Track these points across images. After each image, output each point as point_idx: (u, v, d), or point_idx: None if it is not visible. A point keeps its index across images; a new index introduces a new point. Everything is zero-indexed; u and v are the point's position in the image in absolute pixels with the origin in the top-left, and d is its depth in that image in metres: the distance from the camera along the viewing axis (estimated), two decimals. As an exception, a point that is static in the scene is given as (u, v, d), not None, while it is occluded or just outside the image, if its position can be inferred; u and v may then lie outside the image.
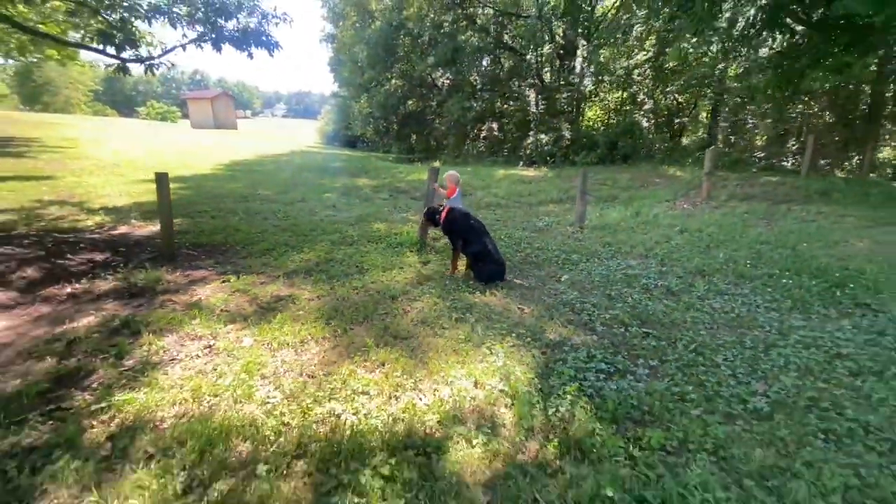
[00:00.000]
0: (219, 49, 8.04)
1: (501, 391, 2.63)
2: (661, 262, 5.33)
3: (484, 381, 2.71)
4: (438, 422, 2.33)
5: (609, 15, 19.20)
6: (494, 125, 22.86)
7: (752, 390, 2.69)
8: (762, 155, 15.86)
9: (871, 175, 10.78)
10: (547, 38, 19.79)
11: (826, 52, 8.10)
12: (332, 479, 1.90)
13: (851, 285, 4.28)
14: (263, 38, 8.25)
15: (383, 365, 2.88)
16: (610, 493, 1.86)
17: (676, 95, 18.80)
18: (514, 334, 3.38)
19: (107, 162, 13.15)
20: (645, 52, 17.86)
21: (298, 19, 8.84)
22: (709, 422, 2.37)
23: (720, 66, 15.92)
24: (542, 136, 17.54)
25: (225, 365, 2.74)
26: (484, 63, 23.00)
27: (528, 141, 17.76)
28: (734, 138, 18.07)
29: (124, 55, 6.45)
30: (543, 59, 21.19)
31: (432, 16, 20.70)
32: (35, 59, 17.78)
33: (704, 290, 4.41)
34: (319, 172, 14.91)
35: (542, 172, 14.93)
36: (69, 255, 4.45)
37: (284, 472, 1.93)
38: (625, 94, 19.99)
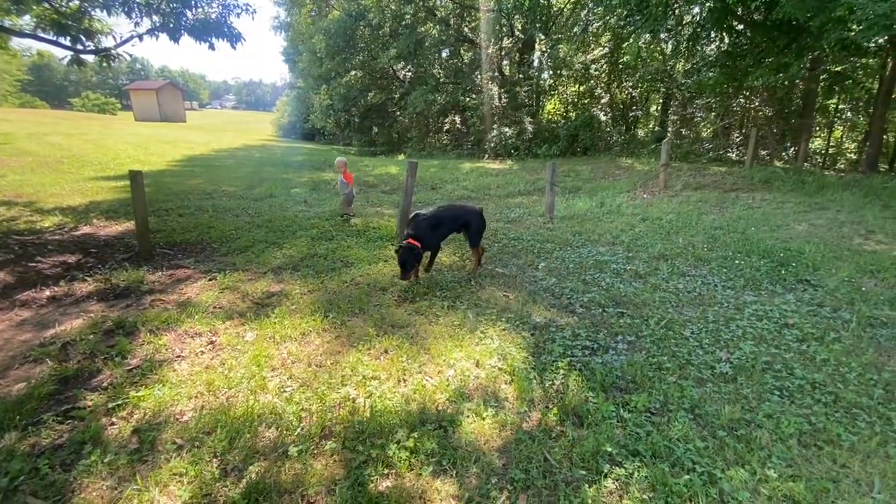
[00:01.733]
0: (176, 40, 7.70)
1: (500, 369, 2.86)
2: (627, 248, 5.74)
3: (484, 361, 2.92)
4: (448, 399, 2.52)
5: (566, 10, 19.78)
6: (458, 118, 23.08)
7: (717, 358, 3.06)
8: (710, 146, 17.00)
9: (805, 164, 11.86)
10: (506, 31, 20.15)
11: (767, 51, 8.83)
12: (360, 455, 2.05)
13: (794, 264, 4.83)
14: (225, 29, 8.00)
15: (387, 352, 3.03)
16: (609, 449, 2.13)
17: (631, 90, 19.70)
18: (503, 319, 3.61)
19: (49, 158, 12.29)
20: (601, 48, 18.57)
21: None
22: (684, 386, 2.70)
23: (671, 63, 16.88)
24: (506, 129, 17.92)
25: (232, 359, 2.80)
26: (444, 55, 23.11)
27: (493, 134, 18.08)
28: (684, 131, 19.22)
29: (79, 47, 6.09)
30: (503, 52, 21.56)
31: (393, 7, 20.52)
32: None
33: (668, 273, 4.82)
34: (282, 167, 14.57)
35: (507, 165, 15.31)
36: (39, 258, 4.26)
37: (314, 451, 2.06)
38: (582, 88, 20.73)
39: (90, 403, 2.31)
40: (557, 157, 15.86)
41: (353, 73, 23.10)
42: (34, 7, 7.03)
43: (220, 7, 8.02)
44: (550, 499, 1.88)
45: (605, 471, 2.01)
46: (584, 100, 20.63)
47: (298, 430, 2.20)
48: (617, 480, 1.97)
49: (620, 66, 18.51)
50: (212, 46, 8.03)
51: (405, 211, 6.19)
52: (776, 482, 1.97)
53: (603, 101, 19.71)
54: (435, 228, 4.32)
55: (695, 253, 5.41)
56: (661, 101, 19.62)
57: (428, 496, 1.86)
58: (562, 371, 2.83)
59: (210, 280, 4.18)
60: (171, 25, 7.47)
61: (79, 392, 2.41)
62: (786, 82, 10.44)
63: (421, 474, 1.96)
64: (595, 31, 18.39)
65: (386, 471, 1.98)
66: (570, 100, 21.59)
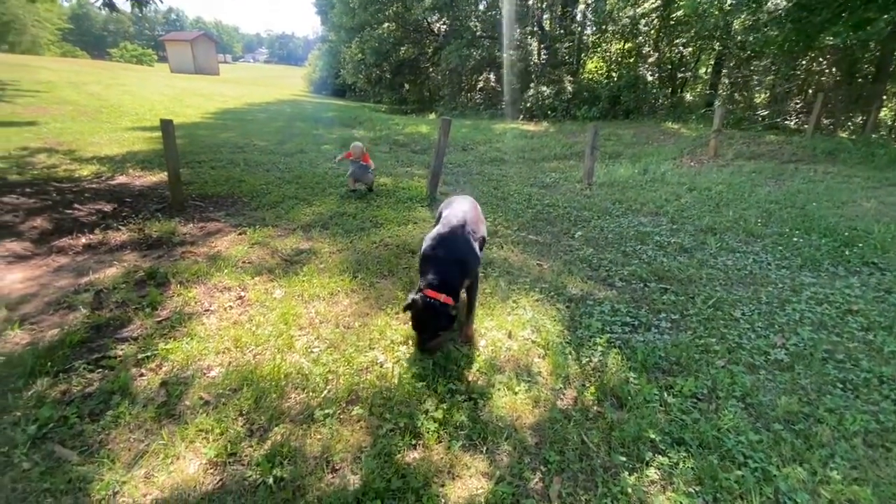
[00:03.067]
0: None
1: (533, 342, 2.71)
2: (672, 219, 5.38)
3: (516, 332, 2.78)
4: (478, 370, 2.40)
5: (617, -43, 18.15)
6: (492, 76, 22.06)
7: (772, 343, 2.81)
8: (766, 113, 15.68)
9: (874, 135, 10.77)
10: (550, -19, 18.76)
11: (847, 4, 7.81)
12: (387, 423, 1.97)
13: (860, 244, 4.40)
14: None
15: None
16: (651, 435, 1.98)
17: (682, 48, 18.18)
18: (537, 289, 3.44)
19: (88, 107, 12.49)
20: (653, 1, 17.07)
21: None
22: (734, 372, 2.49)
23: (729, 18, 15.37)
24: (544, 88, 17.01)
25: (260, 316, 2.76)
26: (481, 6, 21.82)
27: (530, 93, 17.21)
28: (737, 95, 17.74)
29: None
30: (545, 4, 20.19)
31: (429, -47, 19.36)
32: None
33: (717, 248, 4.48)
34: (312, 123, 14.40)
35: (543, 127, 14.64)
36: (76, 206, 4.31)
37: (340, 416, 2.00)
38: (628, 46, 19.29)
39: (120, 353, 2.31)
40: (597, 120, 15.02)
41: (385, 25, 22.23)
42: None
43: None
44: (587, 484, 1.76)
45: (647, 458, 1.87)
46: (628, 58, 19.25)
47: (325, 392, 2.14)
48: (660, 469, 1.83)
49: (672, 21, 17.04)
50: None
51: (435, 172, 5.97)
52: (839, 484, 1.79)
53: (650, 60, 18.32)
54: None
55: (746, 228, 5.01)
56: (712, 61, 18.06)
57: (457, 471, 1.78)
58: (600, 348, 2.66)
59: (240, 234, 4.15)
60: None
61: (110, 341, 2.42)
62: (868, 42, 9.28)
63: (450, 447, 1.87)
64: (648, -20, 16.86)
65: (413, 441, 1.90)
66: (613, 58, 20.21)
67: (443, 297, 2.32)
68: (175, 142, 4.51)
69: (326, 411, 2.00)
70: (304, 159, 8.10)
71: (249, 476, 1.69)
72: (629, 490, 1.73)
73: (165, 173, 5.43)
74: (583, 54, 19.91)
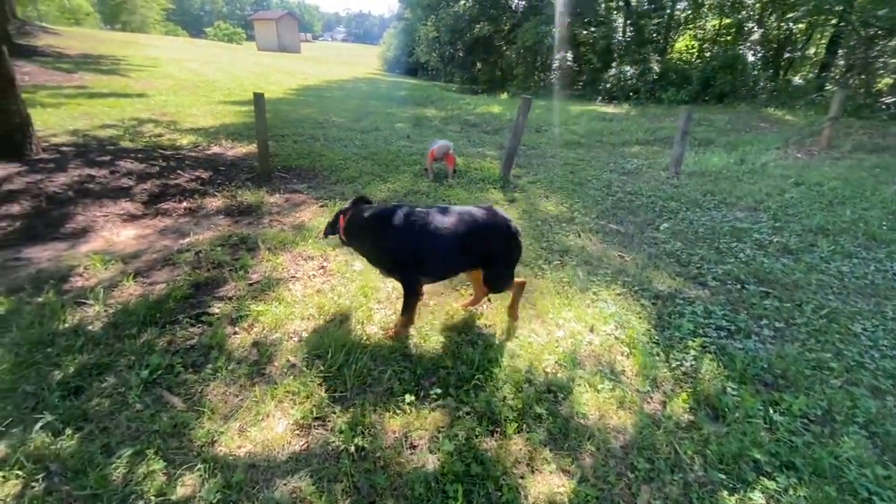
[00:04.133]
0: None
1: (617, 338, 2.55)
2: (773, 216, 4.82)
3: (598, 326, 2.63)
4: (557, 362, 2.30)
5: (724, -79, 16.29)
6: (570, 55, 20.99)
7: (903, 366, 2.43)
8: (891, 100, 13.52)
9: None
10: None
11: None
12: (464, 406, 1.94)
13: None
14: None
15: (489, 300, 2.87)
16: (756, 455, 1.78)
17: (791, 24, 16.04)
18: (619, 282, 3.23)
19: (187, 82, 13.55)
20: (764, -31, 15.19)
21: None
22: (855, 394, 2.18)
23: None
24: (628, 67, 15.91)
25: (341, 286, 2.83)
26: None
27: (611, 73, 16.19)
28: (855, 79, 15.45)
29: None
30: (634, -23, 18.69)
31: (513, -76, 18.55)
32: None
33: (829, 251, 3.96)
34: (387, 101, 14.61)
35: (623, 109, 13.74)
36: (179, 172, 4.69)
37: (419, 393, 2.00)
38: (727, 21, 17.40)
39: (217, 311, 2.48)
40: (686, 104, 13.83)
41: (462, 1, 21.83)
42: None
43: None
44: (680, 499, 1.62)
45: (751, 480, 1.69)
46: (726, 36, 17.40)
47: (404, 366, 2.15)
48: (765, 493, 1.64)
49: (786, -7, 15.06)
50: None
51: (510, 153, 5.80)
52: None
53: (753, 37, 16.44)
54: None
55: (868, 230, 4.37)
56: (825, 40, 15.77)
57: (536, 464, 1.71)
58: (692, 351, 2.44)
59: (321, 206, 4.29)
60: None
61: (209, 299, 2.60)
62: None
63: (529, 439, 1.81)
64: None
65: (491, 427, 1.86)
66: (708, 36, 18.38)
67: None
68: (265, 115, 4.73)
69: (405, 387, 2.01)
70: (379, 136, 8.23)
71: (333, 442, 1.74)
72: (729, 511, 1.57)
73: (254, 145, 5.75)
74: (672, 32, 18.31)
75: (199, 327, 2.35)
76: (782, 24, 16.08)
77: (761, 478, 1.71)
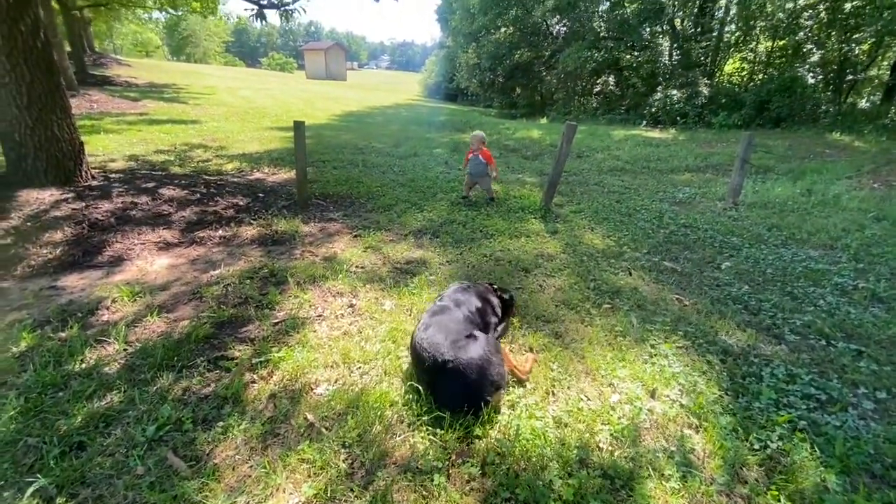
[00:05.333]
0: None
1: (683, 406, 2.18)
2: (854, 256, 4.26)
3: (660, 391, 2.26)
4: (612, 435, 1.96)
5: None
6: (611, 79, 20.60)
7: None
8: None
9: None
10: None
11: None
12: (504, 491, 1.64)
13: None
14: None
15: (531, 350, 2.57)
16: (883, 590, 1.37)
17: (854, 45, 15.03)
18: (679, 332, 2.85)
19: (239, 109, 14.24)
20: (822, -11, 14.42)
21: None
22: None
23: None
24: (674, 91, 15.36)
25: (369, 329, 2.62)
26: (604, 7, 20.42)
27: (656, 97, 15.67)
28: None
29: (262, 1, 6.57)
30: (679, 1, 18.23)
31: (555, -47, 18.69)
32: (181, 12, 19.60)
33: (930, 301, 3.39)
34: (426, 126, 14.74)
35: (670, 134, 13.17)
36: (218, 198, 4.71)
37: (449, 472, 1.72)
38: (781, 43, 16.55)
39: (238, 354, 2.31)
40: (739, 128, 13.10)
41: (503, 29, 22.07)
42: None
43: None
44: None
45: None
46: (780, 58, 16.53)
47: (433, 435, 1.88)
48: None
49: (846, 12, 14.18)
50: (375, -3, 8.01)
51: (553, 181, 5.52)
52: None
53: (812, 58, 15.51)
54: None
55: (976, 277, 3.75)
56: (887, 62, 14.62)
57: (591, 579, 1.39)
58: (778, 429, 2.03)
59: (355, 237, 4.16)
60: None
61: (230, 340, 2.45)
62: None
63: (581, 542, 1.48)
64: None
65: (535, 523, 1.55)
66: (759, 58, 17.53)
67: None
68: (305, 142, 4.71)
69: (434, 463, 1.73)
70: (418, 163, 8.17)
71: (348, 529, 1.48)
72: None
73: (293, 172, 5.77)
74: (721, 54, 17.61)
75: (216, 373, 2.19)
76: (843, 44, 15.10)
77: None
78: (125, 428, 1.81)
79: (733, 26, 17.82)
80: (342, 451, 1.78)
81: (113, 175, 5.06)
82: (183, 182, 5.16)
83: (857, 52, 15.19)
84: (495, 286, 2.82)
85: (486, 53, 22.39)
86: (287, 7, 6.58)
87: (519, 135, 12.87)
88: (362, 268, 3.49)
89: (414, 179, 6.62)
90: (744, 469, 1.84)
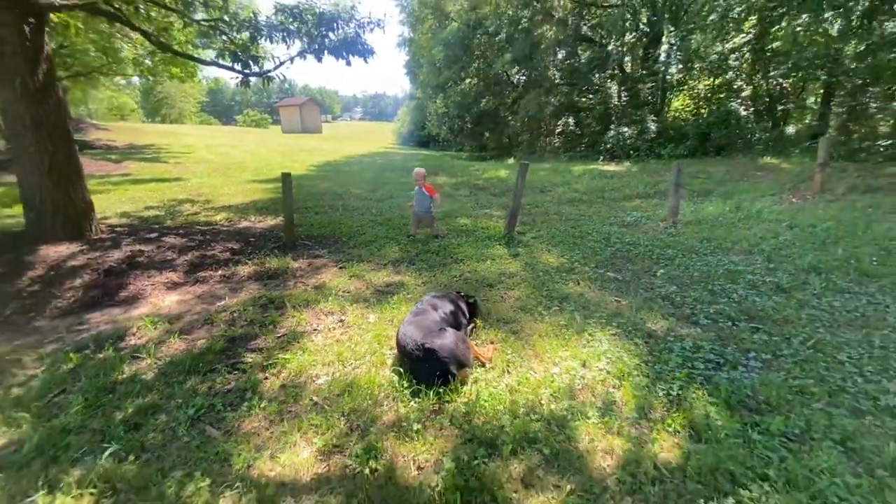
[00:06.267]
0: (320, 59, 8.82)
1: (609, 373, 2.77)
2: (768, 258, 5.05)
3: (591, 363, 2.86)
4: (552, 394, 2.53)
5: (701, -3, 17.91)
6: (571, 120, 22.37)
7: (884, 389, 2.57)
8: (888, 143, 13.90)
9: None
10: (630, 25, 18.97)
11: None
12: (468, 434, 2.18)
13: None
14: (360, 46, 8.90)
15: (492, 343, 3.15)
16: (731, 467, 1.95)
17: (780, 80, 17.05)
18: (614, 324, 3.48)
19: (219, 165, 14.91)
20: (744, 35, 16.45)
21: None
22: (833, 414, 2.34)
23: (836, 46, 14.24)
24: (625, 129, 16.88)
25: (358, 336, 3.17)
26: (559, 56, 22.53)
27: (610, 134, 17.15)
28: (852, 125, 16.00)
29: (246, 71, 7.40)
30: (625, 48, 20.33)
31: (510, 12, 20.71)
32: (156, 78, 20.55)
33: (821, 288, 4.14)
34: (401, 172, 15.64)
35: (624, 167, 14.40)
36: (214, 244, 5.25)
37: (425, 423, 2.25)
38: (717, 81, 18.56)
39: (250, 360, 2.82)
40: (685, 158, 14.46)
41: (468, 80, 23.84)
42: (217, 41, 8.69)
43: (356, 26, 8.98)
44: (659, 506, 1.80)
45: (726, 490, 1.86)
46: (718, 94, 18.48)
47: (412, 402, 2.42)
48: (740, 502, 1.81)
49: (768, 54, 16.18)
50: (348, 62, 8.96)
51: (514, 212, 6.26)
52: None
53: (743, 94, 17.42)
54: None
55: (859, 267, 4.55)
56: (821, 91, 16.64)
57: (531, 482, 1.92)
58: (679, 382, 2.64)
59: (340, 268, 4.74)
60: (317, 47, 8.59)
61: (243, 350, 2.96)
62: None
63: (524, 460, 2.03)
64: (737, 16, 16.33)
65: (490, 451, 2.08)
66: (701, 94, 19.51)
67: None
68: (291, 192, 5.35)
69: (414, 418, 2.27)
70: (393, 204, 8.89)
71: (350, 465, 1.99)
72: (705, 517, 1.74)
73: (280, 218, 6.37)
74: (668, 93, 19.53)
75: (235, 374, 2.69)
76: (769, 80, 17.07)
77: (737, 488, 1.87)
78: (169, 413, 2.30)
79: (674, 68, 19.90)
80: (342, 418, 2.30)
81: (119, 229, 5.56)
82: (181, 232, 5.69)
83: (785, 85, 17.17)
84: (462, 293, 3.43)
85: (453, 103, 24.04)
86: (269, 73, 7.41)
87: (487, 175, 13.86)
88: (348, 292, 4.06)
89: (391, 219, 7.29)
90: (651, 410, 2.43)
